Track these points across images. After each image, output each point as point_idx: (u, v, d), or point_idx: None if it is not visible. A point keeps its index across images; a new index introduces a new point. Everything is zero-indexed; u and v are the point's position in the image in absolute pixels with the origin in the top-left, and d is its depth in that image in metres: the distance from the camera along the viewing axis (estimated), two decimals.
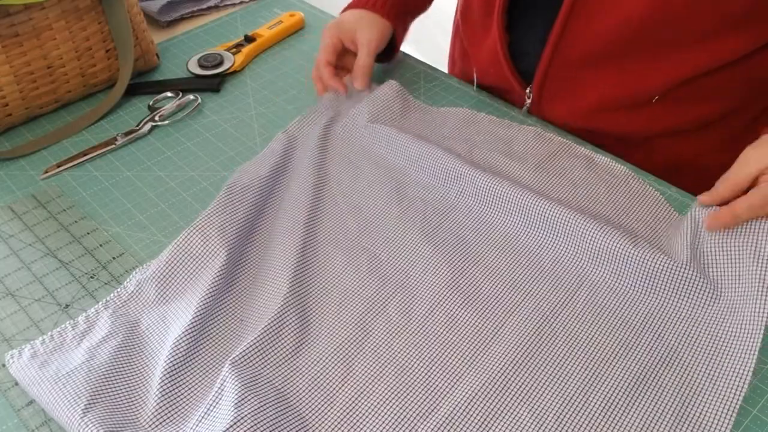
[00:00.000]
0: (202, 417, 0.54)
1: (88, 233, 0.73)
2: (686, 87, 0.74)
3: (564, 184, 0.73)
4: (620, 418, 0.55)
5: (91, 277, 0.68)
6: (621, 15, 0.70)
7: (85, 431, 0.53)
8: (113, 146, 0.84)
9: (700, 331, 0.60)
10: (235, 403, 0.53)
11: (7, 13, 0.80)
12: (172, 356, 0.58)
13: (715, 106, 0.77)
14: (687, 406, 0.55)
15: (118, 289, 0.65)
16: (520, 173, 0.74)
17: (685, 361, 0.58)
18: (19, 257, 0.70)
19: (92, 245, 0.72)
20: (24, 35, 0.82)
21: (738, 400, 0.55)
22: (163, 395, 0.57)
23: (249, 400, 0.54)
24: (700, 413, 0.55)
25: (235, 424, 0.52)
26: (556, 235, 0.67)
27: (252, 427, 0.52)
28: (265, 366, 0.58)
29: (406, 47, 1.02)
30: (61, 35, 0.84)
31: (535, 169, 0.74)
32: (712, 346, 0.59)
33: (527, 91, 0.82)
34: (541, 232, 0.68)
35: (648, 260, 0.62)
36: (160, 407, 0.56)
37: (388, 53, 0.90)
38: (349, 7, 0.88)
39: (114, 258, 0.70)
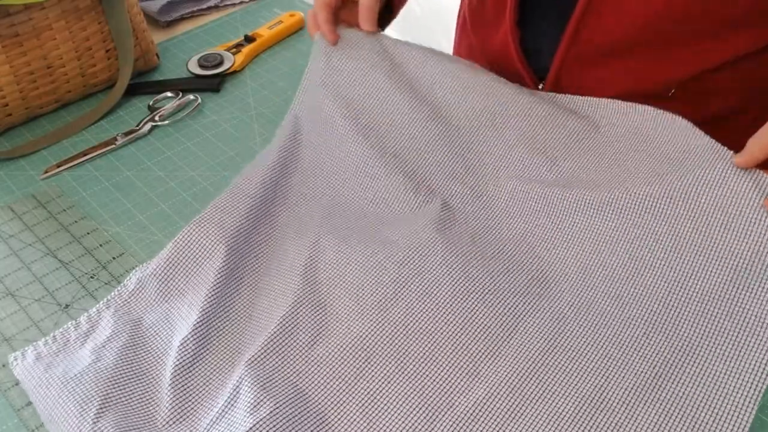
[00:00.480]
0: (217, 418, 0.54)
1: (88, 233, 0.73)
2: (705, 79, 0.73)
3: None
4: (640, 412, 0.54)
5: (91, 277, 0.68)
6: (637, 12, 0.70)
7: None
8: (113, 146, 0.84)
9: (718, 323, 0.57)
10: (252, 406, 0.53)
11: (7, 13, 0.80)
12: (181, 355, 0.58)
13: (730, 100, 0.76)
14: (706, 400, 0.54)
15: (119, 288, 0.64)
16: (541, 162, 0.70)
17: (703, 355, 0.57)
18: (19, 257, 0.71)
19: (92, 245, 0.72)
20: (24, 35, 0.82)
21: (760, 392, 0.54)
22: (175, 395, 0.56)
23: (265, 402, 0.53)
24: (720, 407, 0.54)
25: (252, 429, 0.51)
26: (575, 232, 0.65)
27: (270, 430, 0.52)
28: (283, 362, 0.57)
29: None
30: (61, 35, 0.85)
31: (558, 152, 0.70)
32: (731, 339, 0.57)
33: (540, 87, 0.81)
34: (558, 229, 0.65)
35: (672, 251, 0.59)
36: (173, 407, 0.56)
37: (386, 19, 0.86)
38: None
39: (114, 258, 0.70)
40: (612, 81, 0.76)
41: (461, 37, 0.97)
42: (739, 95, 0.77)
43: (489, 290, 0.62)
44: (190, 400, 0.56)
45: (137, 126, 0.86)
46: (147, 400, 0.57)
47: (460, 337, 0.59)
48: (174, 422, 0.55)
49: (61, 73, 0.87)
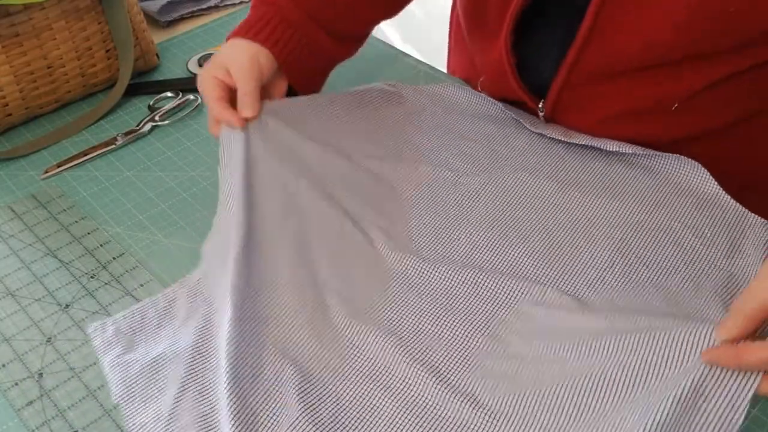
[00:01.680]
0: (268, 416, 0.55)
1: (88, 233, 0.73)
2: (709, 93, 0.72)
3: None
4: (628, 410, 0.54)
5: (92, 277, 0.68)
6: (642, 38, 0.68)
7: (180, 417, 0.54)
8: (113, 146, 0.84)
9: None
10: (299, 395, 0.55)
11: (7, 13, 0.80)
12: (228, 344, 0.57)
13: (744, 105, 0.75)
14: (699, 395, 0.54)
15: (194, 271, 0.65)
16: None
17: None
18: (19, 257, 0.71)
19: (92, 245, 0.72)
20: (24, 35, 0.82)
21: (749, 393, 0.54)
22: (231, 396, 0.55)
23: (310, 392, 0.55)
24: (711, 403, 0.54)
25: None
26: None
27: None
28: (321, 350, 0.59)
29: (406, 46, 1.02)
30: (61, 35, 0.85)
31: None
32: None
33: (540, 105, 0.79)
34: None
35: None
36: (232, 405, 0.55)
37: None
38: (230, 38, 0.75)
39: (114, 258, 0.70)
40: (615, 99, 0.74)
41: (455, 48, 0.95)
42: (753, 100, 0.75)
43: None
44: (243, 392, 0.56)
45: (137, 126, 0.86)
46: (218, 385, 0.57)
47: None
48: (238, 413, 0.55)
49: (61, 73, 0.87)
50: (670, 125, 0.75)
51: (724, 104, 0.74)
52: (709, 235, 0.65)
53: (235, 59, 0.71)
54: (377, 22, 0.85)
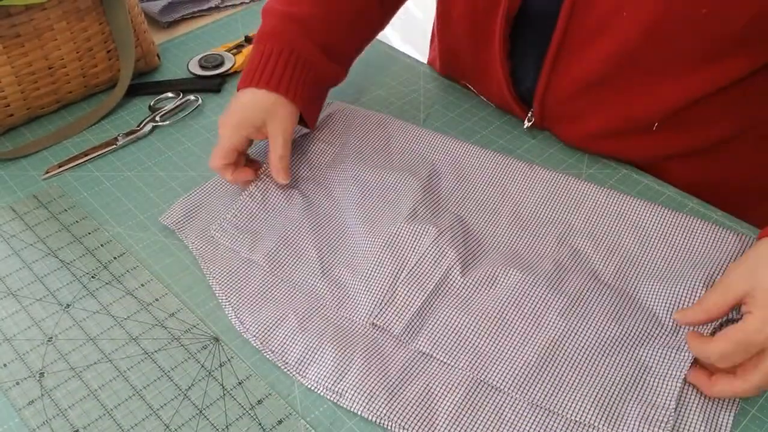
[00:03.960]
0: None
1: (89, 233, 0.73)
2: (688, 111, 0.72)
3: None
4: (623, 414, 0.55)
5: (92, 277, 0.69)
6: (612, 44, 0.69)
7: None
8: (114, 146, 0.84)
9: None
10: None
11: (8, 14, 0.80)
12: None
13: (723, 127, 0.74)
14: (688, 402, 0.55)
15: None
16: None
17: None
18: (20, 257, 0.71)
19: (93, 245, 0.72)
20: (25, 36, 0.82)
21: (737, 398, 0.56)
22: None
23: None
24: (703, 409, 0.55)
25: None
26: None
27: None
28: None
29: (406, 47, 1.02)
30: (62, 36, 0.85)
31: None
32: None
33: (529, 114, 0.80)
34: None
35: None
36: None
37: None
38: (250, 85, 0.74)
39: (115, 258, 0.70)
40: (594, 113, 0.75)
41: (440, 46, 0.93)
42: (733, 123, 0.74)
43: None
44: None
45: (138, 126, 0.86)
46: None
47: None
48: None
49: (63, 74, 0.87)
50: (654, 144, 0.75)
51: (706, 123, 0.73)
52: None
53: (276, 121, 0.73)
54: (370, 40, 0.86)
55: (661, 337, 0.60)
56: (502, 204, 0.73)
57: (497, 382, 0.57)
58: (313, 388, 0.59)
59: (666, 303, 0.62)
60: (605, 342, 0.59)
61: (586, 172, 0.77)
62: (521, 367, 0.58)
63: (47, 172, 0.81)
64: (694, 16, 0.64)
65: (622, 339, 0.60)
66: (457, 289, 0.64)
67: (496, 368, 0.58)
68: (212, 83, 0.93)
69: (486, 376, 0.58)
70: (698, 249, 0.66)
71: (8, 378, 0.60)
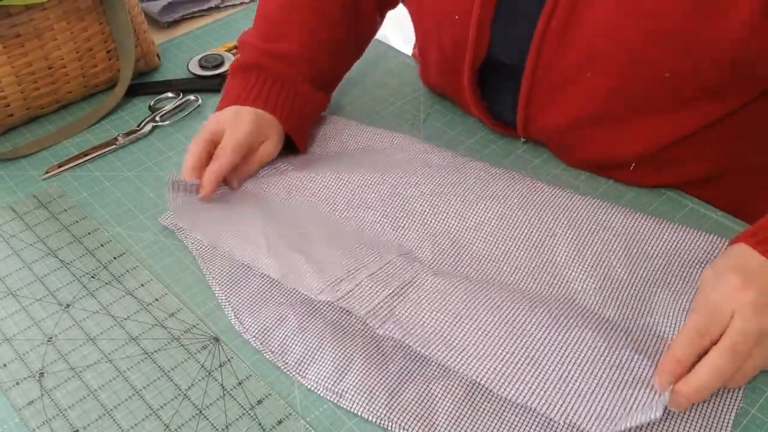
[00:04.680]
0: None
1: (89, 233, 0.73)
2: (667, 152, 0.71)
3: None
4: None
5: (92, 277, 0.69)
6: (580, 97, 0.69)
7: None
8: (114, 146, 0.84)
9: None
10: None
11: (8, 14, 0.80)
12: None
13: (702, 167, 0.74)
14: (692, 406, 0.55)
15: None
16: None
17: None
18: (20, 257, 0.71)
19: (93, 245, 0.72)
20: (25, 36, 0.82)
21: (738, 398, 0.55)
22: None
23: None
24: (703, 409, 0.55)
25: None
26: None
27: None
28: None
29: (406, 47, 1.02)
30: (62, 36, 0.85)
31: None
32: None
33: (521, 138, 0.81)
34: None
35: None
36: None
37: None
38: (232, 102, 0.77)
39: (115, 258, 0.70)
40: (576, 147, 0.75)
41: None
42: (714, 161, 0.74)
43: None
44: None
45: (138, 126, 0.86)
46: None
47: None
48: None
49: (63, 74, 0.87)
50: (638, 178, 0.75)
51: (684, 162, 0.73)
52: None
53: (232, 130, 0.74)
54: (349, 68, 0.88)
55: (649, 343, 0.58)
56: (481, 206, 0.71)
57: (477, 377, 0.55)
58: (312, 388, 0.59)
59: (660, 311, 0.61)
60: (590, 344, 0.58)
61: (585, 173, 0.77)
62: (503, 363, 0.56)
63: (47, 172, 0.81)
64: (658, 78, 0.65)
65: (608, 341, 0.58)
66: (429, 282, 0.63)
67: (475, 364, 0.56)
68: (212, 83, 0.93)
69: (464, 369, 0.56)
70: (681, 255, 0.66)
71: (8, 378, 0.60)
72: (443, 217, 0.70)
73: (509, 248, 0.68)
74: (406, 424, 0.55)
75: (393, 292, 0.62)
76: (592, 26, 0.65)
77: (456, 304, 0.61)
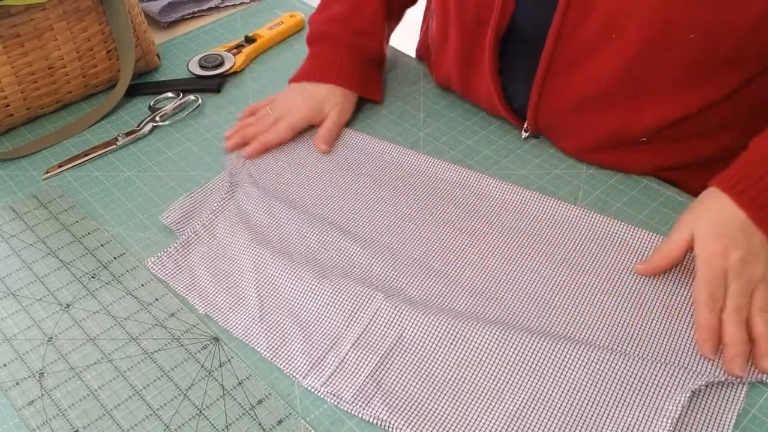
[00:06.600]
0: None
1: (89, 233, 0.73)
2: (683, 125, 0.72)
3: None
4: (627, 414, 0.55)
5: (92, 277, 0.69)
6: (601, 65, 0.69)
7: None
8: (114, 146, 0.84)
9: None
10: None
11: (8, 14, 0.80)
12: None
13: (722, 138, 0.74)
14: (693, 402, 0.55)
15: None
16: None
17: (690, 357, 0.58)
18: (20, 257, 0.71)
19: (93, 245, 0.72)
20: (25, 36, 0.82)
21: (740, 399, 0.56)
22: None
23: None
24: (706, 409, 0.55)
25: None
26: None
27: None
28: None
29: (406, 47, 1.02)
30: (62, 36, 0.85)
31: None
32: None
33: (524, 126, 0.81)
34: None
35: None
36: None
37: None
38: (309, 78, 0.86)
39: (115, 258, 0.70)
40: (587, 127, 0.75)
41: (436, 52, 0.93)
42: (732, 133, 0.74)
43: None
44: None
45: (138, 126, 0.86)
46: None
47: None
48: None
49: (63, 74, 0.87)
50: (652, 156, 0.75)
51: (704, 135, 0.73)
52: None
53: (336, 104, 0.84)
54: (401, 17, 0.95)
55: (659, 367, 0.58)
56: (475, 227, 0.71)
57: None
58: (312, 390, 0.59)
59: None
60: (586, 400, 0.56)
61: (585, 172, 0.77)
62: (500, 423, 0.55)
63: (47, 172, 0.81)
64: (682, 41, 0.65)
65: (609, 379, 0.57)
66: (415, 346, 0.60)
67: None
68: (212, 83, 0.93)
69: None
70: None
71: (8, 378, 0.60)
72: (430, 248, 0.69)
73: (493, 275, 0.67)
74: (406, 425, 0.55)
75: (379, 361, 0.59)
76: None
77: (442, 368, 0.59)
